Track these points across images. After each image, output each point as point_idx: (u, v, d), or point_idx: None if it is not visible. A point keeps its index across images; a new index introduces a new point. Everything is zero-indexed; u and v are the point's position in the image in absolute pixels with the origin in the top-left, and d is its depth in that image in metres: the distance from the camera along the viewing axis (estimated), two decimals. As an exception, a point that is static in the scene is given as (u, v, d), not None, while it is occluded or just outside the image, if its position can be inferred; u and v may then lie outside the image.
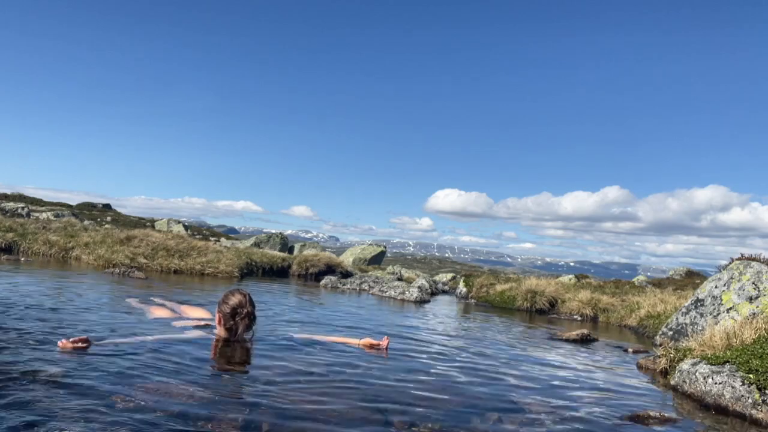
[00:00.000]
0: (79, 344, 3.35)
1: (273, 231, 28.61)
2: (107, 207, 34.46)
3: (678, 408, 3.65)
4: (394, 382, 3.45)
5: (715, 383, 3.69)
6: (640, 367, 5.04)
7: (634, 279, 17.17)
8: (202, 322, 4.57)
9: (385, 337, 4.63)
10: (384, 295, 10.60)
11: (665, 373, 4.66)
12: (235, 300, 4.00)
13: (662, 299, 9.15)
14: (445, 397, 3.25)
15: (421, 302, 10.00)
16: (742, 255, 6.89)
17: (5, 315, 4.20)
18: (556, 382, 4.01)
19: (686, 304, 6.78)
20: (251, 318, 4.03)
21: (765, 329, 4.46)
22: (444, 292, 14.04)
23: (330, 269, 13.63)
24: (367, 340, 4.56)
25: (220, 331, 4.07)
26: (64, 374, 2.80)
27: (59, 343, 3.33)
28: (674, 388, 4.09)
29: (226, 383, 3.11)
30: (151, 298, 6.07)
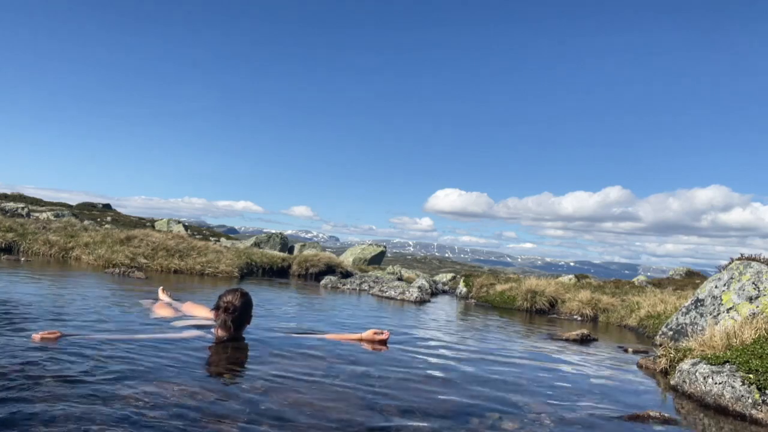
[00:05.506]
0: (48, 336, 3.42)
1: (273, 231, 28.64)
2: (107, 207, 34.47)
3: (678, 408, 3.65)
4: (394, 382, 3.44)
5: (715, 383, 3.68)
6: (640, 367, 5.03)
7: (634, 279, 17.16)
8: (202, 322, 4.57)
9: (387, 330, 4.80)
10: (384, 295, 10.59)
11: (665, 373, 4.66)
12: (228, 297, 4.09)
13: (662, 299, 9.15)
14: (445, 397, 3.25)
15: (421, 302, 10.00)
16: (742, 255, 6.89)
17: (3, 315, 4.20)
18: (556, 382, 4.01)
19: (686, 304, 6.78)
20: (235, 310, 4.01)
21: (765, 329, 4.46)
22: (444, 292, 14.03)
23: (330, 269, 13.63)
24: (371, 331, 4.72)
25: (218, 330, 4.09)
26: (60, 373, 2.79)
27: (33, 336, 3.41)
28: (674, 388, 4.08)
29: (225, 383, 3.10)
30: (160, 296, 6.04)
